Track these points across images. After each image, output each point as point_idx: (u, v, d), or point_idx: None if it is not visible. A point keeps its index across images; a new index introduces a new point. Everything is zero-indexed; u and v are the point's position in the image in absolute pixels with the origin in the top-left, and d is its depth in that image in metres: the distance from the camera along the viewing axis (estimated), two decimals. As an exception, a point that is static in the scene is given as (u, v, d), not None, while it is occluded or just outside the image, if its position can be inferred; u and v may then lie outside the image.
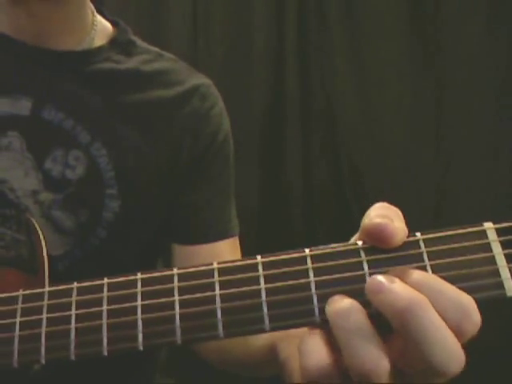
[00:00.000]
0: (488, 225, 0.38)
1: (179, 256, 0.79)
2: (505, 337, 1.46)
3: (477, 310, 0.35)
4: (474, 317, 0.35)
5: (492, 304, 0.36)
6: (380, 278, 0.36)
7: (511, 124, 1.54)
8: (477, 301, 0.36)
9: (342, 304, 0.36)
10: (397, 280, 0.35)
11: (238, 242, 0.82)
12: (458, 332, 0.35)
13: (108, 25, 0.80)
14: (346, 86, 1.64)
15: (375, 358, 0.34)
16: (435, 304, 0.35)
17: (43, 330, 0.41)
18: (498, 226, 0.38)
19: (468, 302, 0.35)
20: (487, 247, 0.38)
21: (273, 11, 1.66)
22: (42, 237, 0.62)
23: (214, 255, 0.78)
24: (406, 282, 0.36)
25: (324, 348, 0.36)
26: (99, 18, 0.79)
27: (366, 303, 0.36)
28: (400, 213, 0.40)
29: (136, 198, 0.73)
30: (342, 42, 1.63)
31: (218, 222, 0.80)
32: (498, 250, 0.37)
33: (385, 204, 0.41)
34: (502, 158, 1.55)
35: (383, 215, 0.39)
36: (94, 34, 0.76)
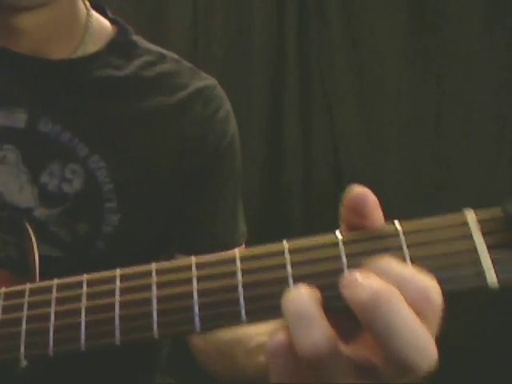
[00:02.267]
0: (469, 213, 0.37)
1: None
2: (505, 337, 1.46)
3: (439, 293, 0.34)
4: (432, 300, 0.34)
5: (490, 299, 0.36)
6: (354, 273, 0.35)
7: (511, 123, 1.54)
8: (458, 291, 0.35)
9: (293, 288, 0.36)
10: (371, 275, 0.34)
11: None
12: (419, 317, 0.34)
13: (107, 24, 0.76)
14: (345, 86, 1.64)
15: (317, 340, 0.34)
16: (403, 292, 0.34)
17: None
18: (479, 213, 0.37)
19: (429, 284, 0.34)
20: (468, 236, 0.36)
21: (273, 11, 1.66)
22: (34, 240, 0.61)
23: None
24: (374, 272, 0.35)
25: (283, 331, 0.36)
26: (95, 16, 0.75)
27: (338, 297, 0.35)
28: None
29: (136, 211, 0.71)
30: (342, 41, 1.63)
31: (224, 232, 0.78)
32: (479, 240, 0.36)
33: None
34: (503, 158, 1.55)
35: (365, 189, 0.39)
36: (88, 37, 0.72)
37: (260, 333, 0.59)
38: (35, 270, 0.58)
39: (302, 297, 0.35)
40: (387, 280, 0.34)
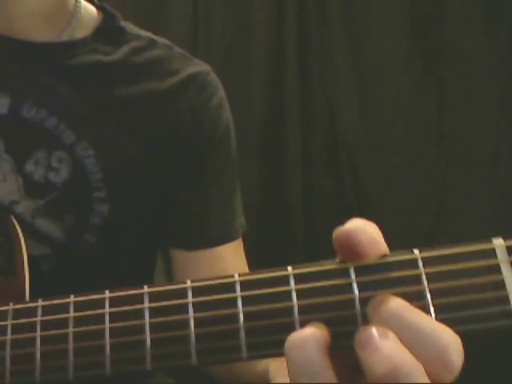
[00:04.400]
0: (498, 241, 0.33)
1: (179, 262, 0.74)
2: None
3: (459, 351, 0.30)
4: (451, 363, 0.30)
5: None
6: (373, 330, 0.31)
7: (511, 124, 1.54)
8: (482, 331, 0.32)
9: (297, 334, 0.32)
10: (390, 336, 0.30)
11: (241, 244, 0.76)
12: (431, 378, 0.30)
13: (94, 11, 0.73)
14: (346, 86, 1.64)
15: None
16: (418, 350, 0.30)
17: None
18: (509, 243, 0.32)
19: (451, 343, 0.30)
20: (496, 269, 0.32)
21: (273, 11, 1.65)
22: (21, 237, 0.58)
23: (215, 261, 0.72)
24: (379, 312, 0.31)
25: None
26: (83, 3, 0.72)
27: (349, 334, 0.32)
28: (377, 229, 0.35)
29: (126, 201, 0.68)
30: (342, 41, 1.63)
31: (219, 224, 0.74)
32: (508, 273, 0.32)
33: (360, 219, 0.36)
34: (503, 158, 1.55)
35: (355, 224, 0.34)
36: (75, 22, 0.69)
37: None
38: (23, 272, 0.55)
39: (306, 344, 0.31)
40: (403, 332, 0.31)
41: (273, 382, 0.48)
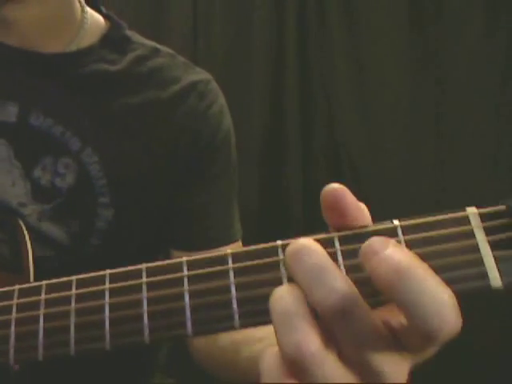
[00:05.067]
0: (471, 209, 0.35)
1: None
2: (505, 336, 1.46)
3: (455, 308, 0.31)
4: (449, 318, 0.31)
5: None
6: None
7: (511, 123, 1.54)
8: (459, 292, 0.32)
9: (279, 289, 0.34)
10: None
11: (241, 247, 0.77)
12: (428, 335, 0.31)
13: (100, 20, 0.75)
14: (345, 86, 1.64)
15: (299, 340, 0.32)
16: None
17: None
18: (481, 210, 0.35)
19: (445, 301, 0.31)
20: (470, 234, 0.34)
21: (273, 11, 1.66)
22: (27, 237, 0.60)
23: None
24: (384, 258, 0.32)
25: None
26: (90, 12, 0.74)
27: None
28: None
29: (130, 206, 0.70)
30: (342, 41, 1.63)
31: (219, 227, 0.76)
32: (481, 237, 0.34)
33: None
34: (502, 157, 1.55)
35: (342, 187, 0.37)
36: (83, 32, 0.72)
37: (265, 337, 0.57)
38: (29, 270, 0.57)
39: (287, 296, 0.33)
40: (396, 269, 0.31)
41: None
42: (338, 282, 0.32)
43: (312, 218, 1.64)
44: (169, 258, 0.77)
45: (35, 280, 0.55)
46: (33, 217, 0.66)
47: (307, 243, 0.35)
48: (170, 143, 0.72)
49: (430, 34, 1.60)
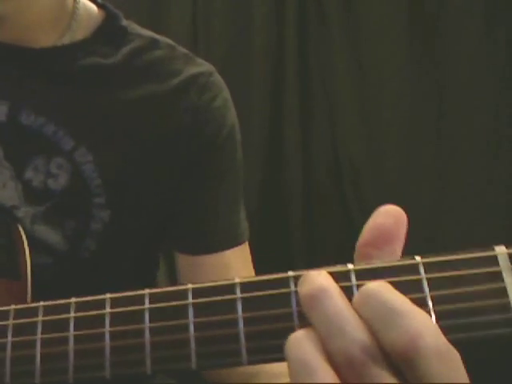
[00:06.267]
0: (500, 249, 0.32)
1: (184, 267, 0.72)
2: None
3: (433, 336, 0.29)
4: (422, 348, 0.29)
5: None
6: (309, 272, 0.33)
7: (511, 123, 1.54)
8: (483, 339, 0.31)
9: (294, 334, 0.32)
10: (323, 273, 0.33)
11: (247, 249, 0.74)
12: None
13: (94, 10, 0.70)
14: (345, 86, 1.64)
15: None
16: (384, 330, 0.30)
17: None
18: (511, 250, 0.32)
19: (421, 326, 0.30)
20: (498, 276, 0.32)
21: (272, 11, 1.66)
22: (25, 243, 0.57)
23: (221, 266, 0.70)
24: (360, 297, 0.32)
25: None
26: (83, 2, 0.69)
27: None
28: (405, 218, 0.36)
29: (127, 206, 0.66)
30: (342, 41, 1.63)
31: (224, 229, 0.72)
32: (510, 280, 0.32)
33: (393, 207, 0.37)
34: (502, 157, 1.55)
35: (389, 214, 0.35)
36: (75, 25, 0.67)
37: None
38: (26, 274, 0.55)
39: (305, 343, 0.32)
40: (371, 308, 0.31)
41: (276, 381, 0.47)
42: (358, 332, 0.31)
43: (312, 218, 1.64)
44: (169, 261, 0.75)
45: (32, 286, 0.54)
46: (26, 220, 0.63)
47: (326, 286, 0.32)
48: (170, 139, 0.68)
49: (430, 33, 1.60)
